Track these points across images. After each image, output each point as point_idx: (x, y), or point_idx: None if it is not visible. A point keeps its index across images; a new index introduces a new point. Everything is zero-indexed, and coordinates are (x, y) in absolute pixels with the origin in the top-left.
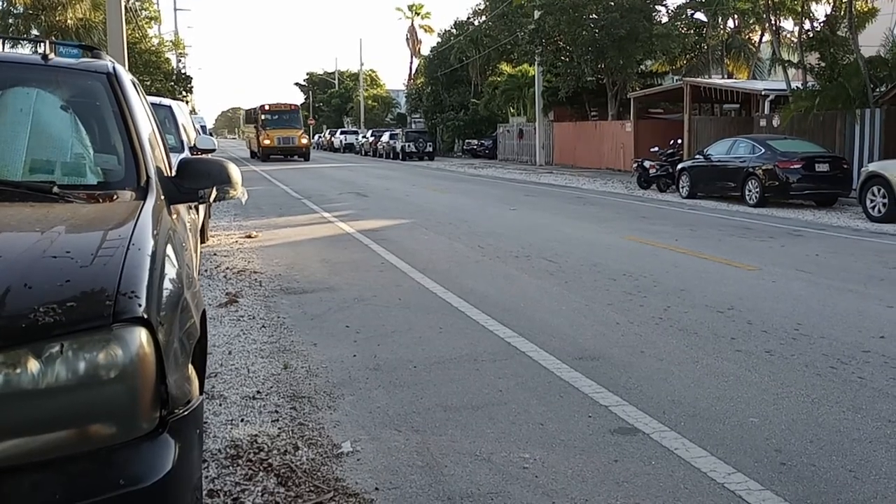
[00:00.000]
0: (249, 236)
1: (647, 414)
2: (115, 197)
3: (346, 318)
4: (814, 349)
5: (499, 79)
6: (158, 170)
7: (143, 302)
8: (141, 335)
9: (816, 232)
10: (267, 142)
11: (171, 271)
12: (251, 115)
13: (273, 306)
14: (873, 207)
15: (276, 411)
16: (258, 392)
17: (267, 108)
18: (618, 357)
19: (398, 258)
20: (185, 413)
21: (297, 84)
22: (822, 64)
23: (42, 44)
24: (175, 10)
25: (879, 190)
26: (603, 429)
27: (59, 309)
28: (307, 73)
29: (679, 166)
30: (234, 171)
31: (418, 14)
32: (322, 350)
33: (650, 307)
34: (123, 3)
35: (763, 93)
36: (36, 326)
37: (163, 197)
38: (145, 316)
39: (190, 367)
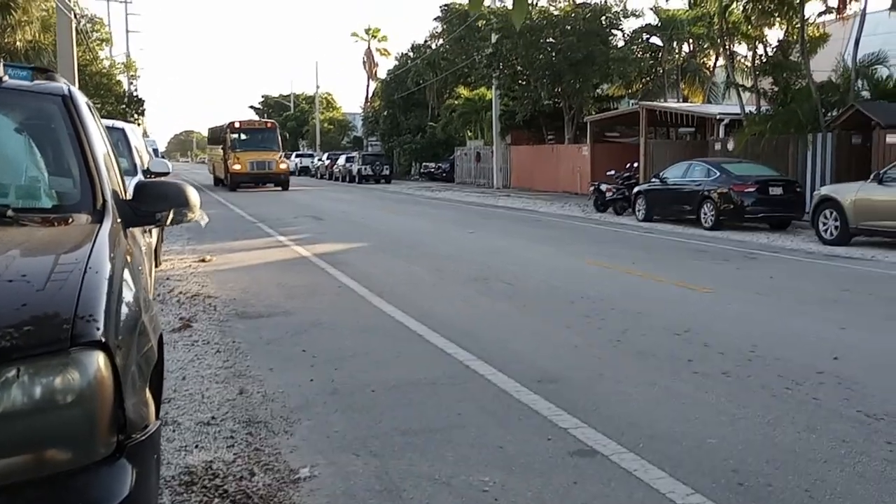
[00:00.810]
0: (203, 260)
1: (605, 436)
2: (70, 220)
3: (302, 342)
4: (769, 370)
5: (456, 102)
6: (114, 193)
7: (101, 325)
8: (99, 359)
9: (771, 255)
10: (237, 167)
11: (128, 295)
12: (217, 134)
13: (228, 331)
14: (825, 230)
15: (232, 437)
16: (213, 418)
17: (238, 125)
18: (577, 379)
19: (356, 282)
20: (143, 438)
21: (251, 107)
22: (776, 88)
23: None
24: (127, 31)
25: (831, 213)
26: (562, 451)
27: (15, 333)
28: (262, 96)
29: (635, 189)
30: (193, 194)
31: (375, 37)
32: (278, 375)
33: (608, 330)
34: (74, 25)
35: (718, 117)
36: None
37: (119, 220)
38: (103, 339)
39: (147, 391)
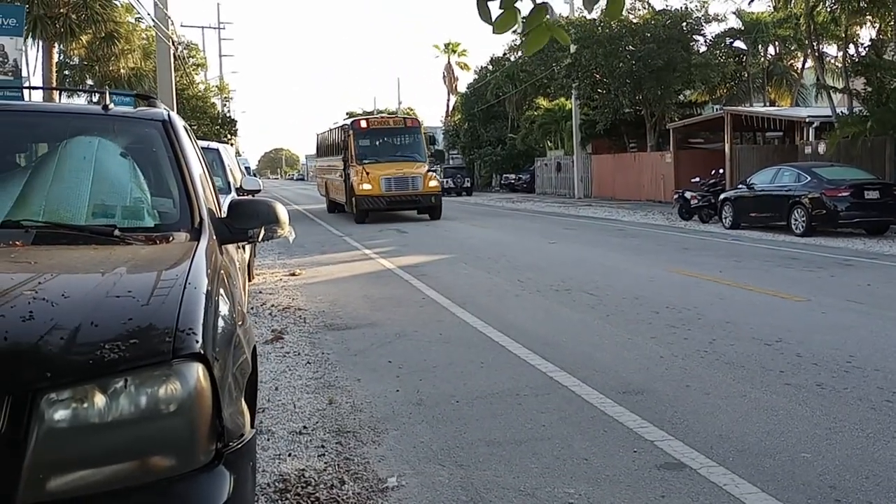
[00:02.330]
0: (293, 274)
1: (693, 449)
2: (171, 238)
3: (388, 353)
4: (868, 382)
5: (535, 113)
6: (210, 211)
7: (200, 338)
8: (198, 370)
9: (868, 261)
10: (366, 186)
11: (224, 309)
12: (330, 141)
13: (317, 342)
14: None
15: (323, 446)
16: (304, 427)
17: (364, 124)
18: (662, 391)
19: (438, 293)
20: (239, 446)
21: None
22: (869, 89)
23: (101, 94)
24: (220, 56)
25: None
26: (649, 464)
27: (122, 345)
28: (347, 113)
29: (721, 196)
30: (282, 211)
31: (454, 52)
32: (366, 385)
33: (695, 340)
34: (172, 52)
35: (807, 120)
36: (102, 362)
37: (215, 237)
38: (202, 352)
39: (242, 401)
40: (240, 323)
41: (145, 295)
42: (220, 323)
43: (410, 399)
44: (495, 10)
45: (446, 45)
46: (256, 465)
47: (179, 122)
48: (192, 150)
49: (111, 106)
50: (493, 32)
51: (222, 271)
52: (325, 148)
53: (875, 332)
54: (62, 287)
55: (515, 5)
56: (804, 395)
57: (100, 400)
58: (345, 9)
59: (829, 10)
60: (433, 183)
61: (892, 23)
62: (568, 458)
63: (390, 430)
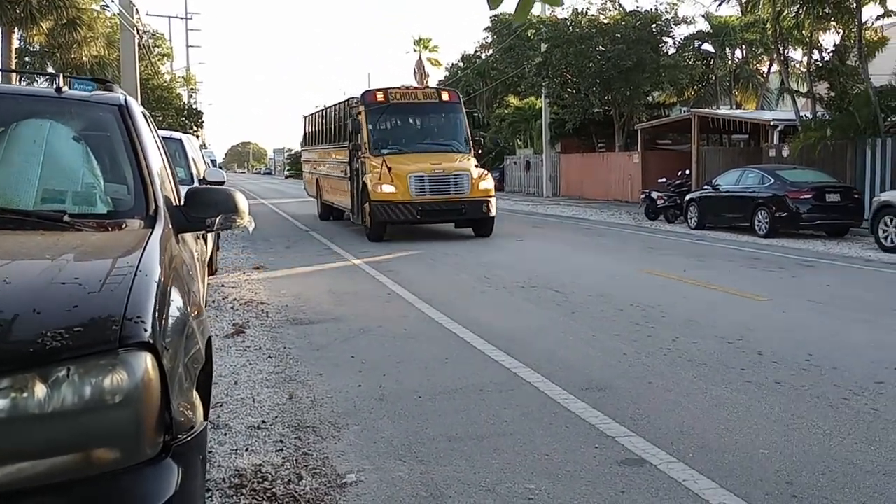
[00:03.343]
0: (257, 268)
1: (654, 445)
2: (124, 225)
3: (351, 348)
4: (825, 380)
5: (506, 111)
6: (167, 199)
7: (149, 327)
8: (146, 360)
9: (828, 262)
10: (388, 189)
11: (177, 298)
12: (327, 124)
13: (279, 337)
14: (886, 237)
15: (281, 441)
16: (263, 422)
17: (382, 97)
18: (625, 388)
19: (404, 289)
20: (189, 439)
21: (305, 116)
22: (832, 94)
23: (57, 78)
24: (187, 46)
25: (892, 220)
26: (610, 460)
27: (66, 334)
28: (315, 106)
29: (687, 197)
30: (241, 201)
31: (426, 48)
32: (327, 380)
33: (658, 338)
34: (137, 41)
35: (772, 123)
36: (43, 351)
37: (170, 226)
38: (151, 341)
39: (194, 393)
40: (194, 313)
41: (93, 282)
42: (172, 312)
43: (372, 394)
44: None
45: (417, 41)
46: (208, 459)
47: (137, 108)
48: (149, 137)
49: (65, 89)
50: (490, 8)
51: (177, 260)
52: (317, 134)
53: (833, 332)
54: (4, 273)
55: None
56: (764, 393)
57: (40, 390)
58: (316, 2)
59: (794, 15)
60: (486, 184)
61: (854, 29)
62: (529, 453)
63: (351, 426)
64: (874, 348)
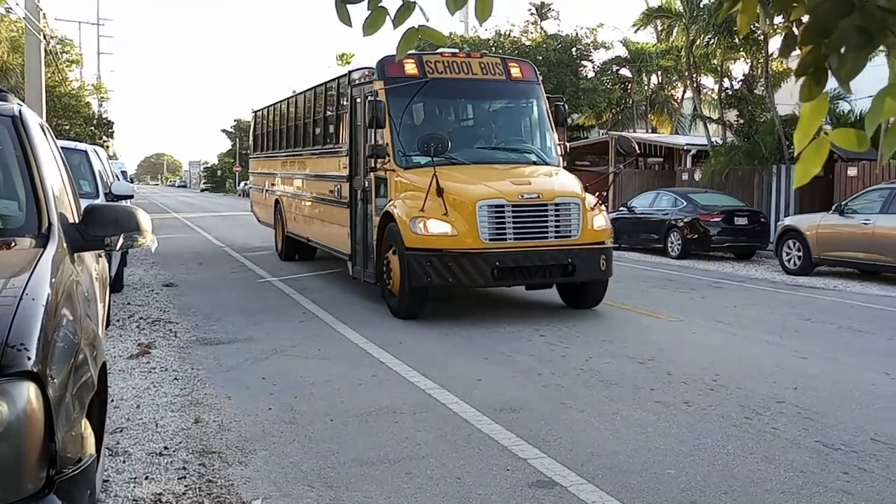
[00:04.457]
0: (167, 285)
1: (565, 467)
2: (13, 244)
3: (263, 369)
4: (730, 400)
5: None
6: (63, 216)
7: (34, 355)
8: (29, 390)
9: (735, 284)
10: (437, 225)
11: (67, 323)
12: (297, 118)
13: (187, 358)
14: (789, 260)
15: (184, 468)
16: (165, 448)
17: (411, 67)
18: (539, 409)
19: (320, 308)
20: (75, 472)
21: (223, 130)
22: (741, 121)
23: None
24: (98, 54)
25: (794, 243)
26: (521, 482)
27: None
28: (235, 120)
29: None
30: (144, 218)
31: (348, 63)
32: (236, 403)
33: (572, 357)
34: (43, 46)
35: (685, 147)
36: None
37: (65, 245)
38: (35, 370)
39: (84, 422)
40: (87, 338)
41: None
42: (61, 338)
43: (283, 417)
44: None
45: (340, 56)
46: (104, 489)
47: (33, 119)
48: (46, 150)
49: None
50: (364, 35)
51: (70, 281)
52: (279, 134)
53: (738, 352)
54: None
55: (381, 5)
56: (672, 413)
57: None
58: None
59: (706, 44)
60: (601, 221)
61: (762, 60)
62: (441, 477)
63: (259, 451)
64: (776, 369)
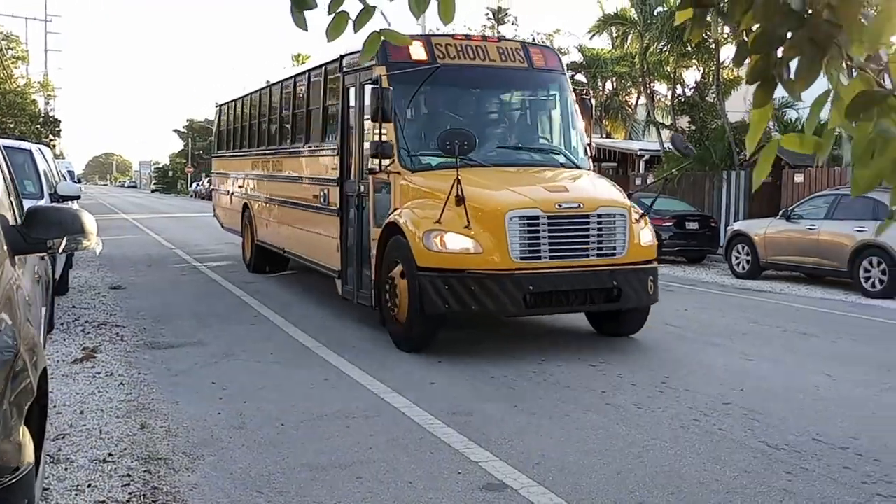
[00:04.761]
0: (115, 288)
1: (516, 469)
2: None
3: (212, 373)
4: (679, 402)
5: None
6: (3, 218)
7: None
8: None
9: (687, 288)
10: (456, 240)
11: (6, 328)
12: (293, 104)
13: (134, 362)
14: (738, 264)
15: (129, 475)
16: (110, 454)
17: (418, 52)
18: (491, 412)
19: (272, 311)
20: (12, 482)
21: (175, 130)
22: (693, 127)
23: None
24: (46, 50)
25: (743, 248)
26: (472, 485)
27: None
28: (187, 120)
29: None
30: (89, 220)
31: (304, 63)
32: (184, 408)
33: (524, 360)
34: None
35: (639, 152)
36: None
37: (6, 247)
38: None
39: (22, 430)
40: (26, 344)
41: None
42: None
43: (232, 422)
44: (311, 16)
45: (295, 57)
46: (44, 497)
47: None
48: None
49: None
50: (328, 41)
51: (8, 286)
52: (251, 130)
53: (687, 355)
54: None
55: (342, 9)
56: (622, 415)
57: None
58: (188, 10)
59: (659, 51)
60: (648, 235)
61: (713, 68)
62: (392, 481)
63: (207, 456)
64: (724, 371)
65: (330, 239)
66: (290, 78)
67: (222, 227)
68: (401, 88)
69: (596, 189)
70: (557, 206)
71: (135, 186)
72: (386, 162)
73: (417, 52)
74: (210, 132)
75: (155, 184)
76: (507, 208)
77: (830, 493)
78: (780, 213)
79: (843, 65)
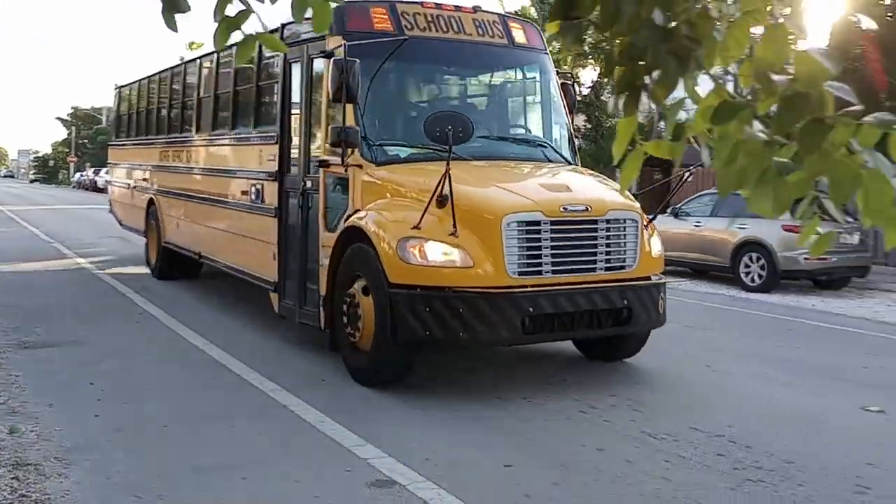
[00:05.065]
0: None
1: (406, 465)
2: None
3: (91, 374)
4: (567, 394)
5: None
6: None
7: None
8: None
9: None
10: (438, 250)
11: None
12: (213, 83)
13: (4, 363)
14: None
15: None
16: None
17: (380, 19)
18: (382, 408)
19: (158, 308)
20: None
21: (59, 118)
22: (589, 126)
23: None
24: None
25: None
26: (360, 482)
27: None
28: (72, 107)
29: None
30: None
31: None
32: (59, 411)
33: (419, 358)
34: None
35: None
36: None
37: None
38: None
39: None
40: None
41: None
42: None
43: (110, 425)
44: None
45: (190, 45)
46: None
47: None
48: None
49: None
50: (215, 48)
51: None
52: (153, 116)
53: (575, 351)
54: None
55: (227, 13)
56: (511, 408)
57: None
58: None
59: (557, 50)
60: (657, 245)
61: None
62: (279, 481)
63: (81, 461)
64: (608, 365)
65: (264, 244)
66: (211, 53)
67: (121, 224)
68: (361, 65)
69: (602, 189)
70: (562, 210)
71: (12, 176)
72: (343, 154)
73: (381, 20)
74: (97, 120)
75: (34, 173)
76: (504, 212)
77: (703, 480)
78: (669, 210)
79: (700, 76)
